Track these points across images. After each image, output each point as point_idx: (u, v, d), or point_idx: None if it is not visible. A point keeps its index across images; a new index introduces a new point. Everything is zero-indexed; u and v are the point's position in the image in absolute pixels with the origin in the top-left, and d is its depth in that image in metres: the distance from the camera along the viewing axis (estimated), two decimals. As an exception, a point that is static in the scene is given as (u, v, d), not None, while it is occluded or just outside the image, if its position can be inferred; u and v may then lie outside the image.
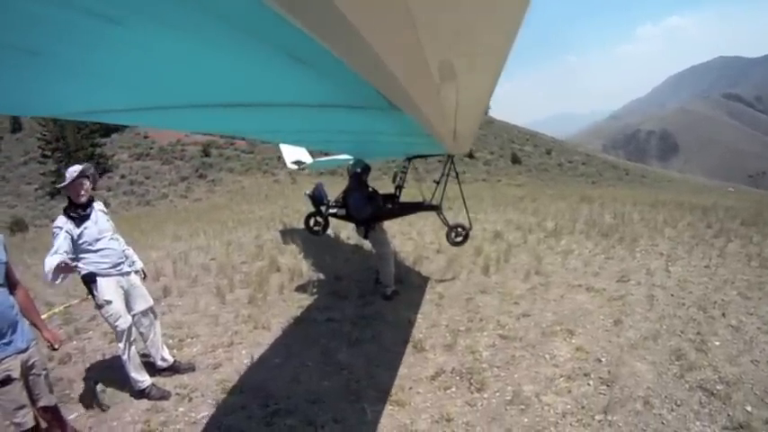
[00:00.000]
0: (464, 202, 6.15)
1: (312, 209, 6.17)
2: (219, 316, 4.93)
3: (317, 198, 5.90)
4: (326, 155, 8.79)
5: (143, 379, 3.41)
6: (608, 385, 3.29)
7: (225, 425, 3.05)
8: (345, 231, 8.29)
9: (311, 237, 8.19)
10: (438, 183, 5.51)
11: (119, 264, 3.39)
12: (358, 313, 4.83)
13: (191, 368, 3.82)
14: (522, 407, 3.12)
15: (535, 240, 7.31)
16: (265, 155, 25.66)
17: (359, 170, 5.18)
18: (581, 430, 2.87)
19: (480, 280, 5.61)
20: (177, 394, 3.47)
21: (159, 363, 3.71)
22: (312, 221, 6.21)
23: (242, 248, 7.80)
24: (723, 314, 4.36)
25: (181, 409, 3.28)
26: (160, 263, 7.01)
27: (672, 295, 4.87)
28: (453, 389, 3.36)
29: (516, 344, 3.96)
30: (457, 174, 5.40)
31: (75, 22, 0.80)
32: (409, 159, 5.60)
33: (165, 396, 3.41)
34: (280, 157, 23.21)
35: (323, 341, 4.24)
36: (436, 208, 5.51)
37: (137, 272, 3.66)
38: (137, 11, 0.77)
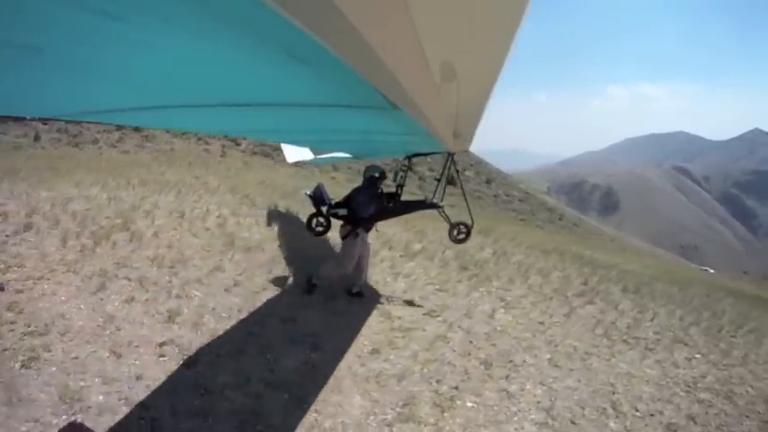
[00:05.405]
0: (465, 199, 6.43)
1: (309, 210, 6.14)
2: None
3: (319, 198, 5.89)
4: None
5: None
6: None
7: None
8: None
9: (183, 210, 7.84)
10: (438, 181, 5.72)
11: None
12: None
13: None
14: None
15: (389, 257, 7.24)
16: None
17: (376, 174, 5.42)
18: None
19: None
20: None
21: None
22: (314, 222, 6.16)
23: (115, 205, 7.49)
24: (507, 377, 4.07)
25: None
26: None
27: (470, 342, 4.65)
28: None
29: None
30: (458, 171, 5.50)
31: (76, 18, 0.80)
32: (409, 158, 5.79)
33: None
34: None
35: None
36: (437, 206, 5.69)
37: None
38: (137, 9, 0.78)
